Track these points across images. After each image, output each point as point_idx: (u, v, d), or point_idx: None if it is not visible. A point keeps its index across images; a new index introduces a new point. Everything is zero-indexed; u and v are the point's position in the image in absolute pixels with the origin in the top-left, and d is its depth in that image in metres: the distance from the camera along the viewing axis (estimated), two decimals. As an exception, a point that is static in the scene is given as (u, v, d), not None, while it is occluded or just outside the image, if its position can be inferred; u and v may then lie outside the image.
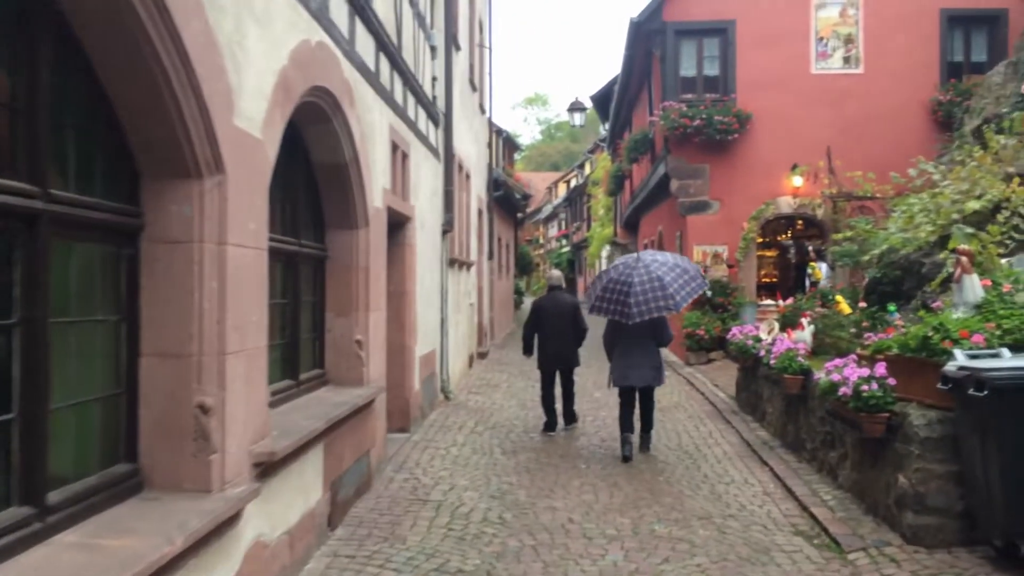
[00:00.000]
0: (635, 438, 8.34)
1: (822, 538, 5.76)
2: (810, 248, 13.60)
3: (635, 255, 8.54)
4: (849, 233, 10.86)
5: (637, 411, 8.48)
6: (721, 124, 15.34)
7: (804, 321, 8.50)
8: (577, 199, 45.85)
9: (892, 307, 7.40)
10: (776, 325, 10.35)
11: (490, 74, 18.36)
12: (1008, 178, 7.29)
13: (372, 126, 6.84)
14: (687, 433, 9.40)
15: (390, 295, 8.42)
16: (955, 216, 7.41)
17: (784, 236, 18.23)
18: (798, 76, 15.88)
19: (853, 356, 6.34)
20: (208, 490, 3.54)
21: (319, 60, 5.20)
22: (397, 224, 8.49)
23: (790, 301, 10.16)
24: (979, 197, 7.18)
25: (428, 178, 10.03)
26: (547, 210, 58.28)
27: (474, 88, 15.35)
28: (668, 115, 15.55)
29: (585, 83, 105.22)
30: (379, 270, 7.13)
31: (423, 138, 9.60)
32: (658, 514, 6.26)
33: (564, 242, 51.45)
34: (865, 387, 5.75)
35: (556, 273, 10.29)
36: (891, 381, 5.76)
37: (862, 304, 9.28)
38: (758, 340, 9.99)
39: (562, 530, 5.82)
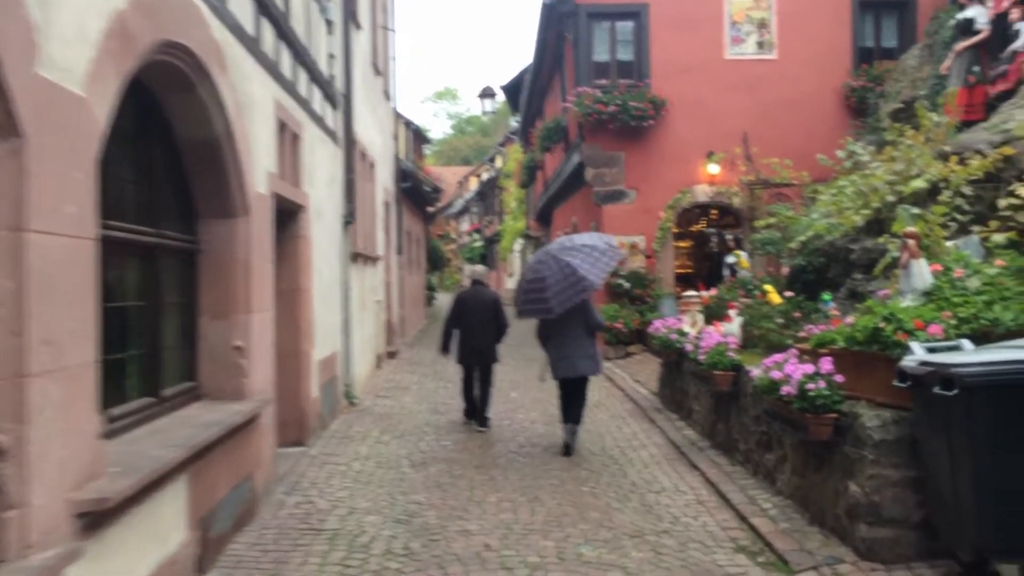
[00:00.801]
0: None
1: (767, 555, 5.17)
2: (729, 237, 13.21)
3: (544, 249, 8.30)
4: (771, 220, 10.44)
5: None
6: (636, 110, 14.83)
7: (732, 313, 7.97)
8: (489, 193, 45.14)
9: (827, 296, 6.91)
10: (700, 317, 9.84)
11: (394, 59, 17.45)
12: (943, 157, 6.89)
13: (251, 98, 5.93)
14: (610, 434, 8.78)
15: (281, 294, 7.52)
16: (890, 198, 6.96)
17: (700, 225, 17.93)
18: (712, 61, 15.50)
19: (794, 351, 5.77)
20: (2, 559, 2.65)
21: (173, 10, 4.30)
22: (288, 213, 7.59)
23: (714, 292, 9.66)
24: (917, 177, 6.74)
25: (325, 164, 9.13)
26: (458, 204, 57.45)
27: (378, 72, 14.43)
28: (582, 101, 14.95)
29: (495, 76, 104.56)
30: (264, 265, 6.24)
31: (318, 120, 8.70)
32: (585, 533, 5.57)
33: (476, 236, 50.69)
34: (811, 385, 5.18)
35: (480, 268, 10.05)
36: (838, 378, 5.21)
37: (788, 294, 8.84)
38: (682, 334, 9.45)
39: (477, 560, 5.07)
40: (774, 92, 15.33)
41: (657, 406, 10.11)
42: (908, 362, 4.55)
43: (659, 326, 9.85)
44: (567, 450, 7.82)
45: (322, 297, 8.82)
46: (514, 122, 46.67)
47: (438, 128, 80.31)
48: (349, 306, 10.43)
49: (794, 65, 15.44)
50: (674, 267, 15.87)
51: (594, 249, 7.97)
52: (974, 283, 5.17)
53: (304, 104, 7.93)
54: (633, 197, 15.41)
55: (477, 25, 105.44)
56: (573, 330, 7.92)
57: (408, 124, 28.41)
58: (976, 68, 9.97)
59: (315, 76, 8.42)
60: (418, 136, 34.22)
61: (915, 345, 4.65)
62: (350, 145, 10.46)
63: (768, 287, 8.14)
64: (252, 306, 5.84)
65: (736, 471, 6.95)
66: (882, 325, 5.04)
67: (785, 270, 11.59)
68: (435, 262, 32.29)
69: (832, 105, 15.44)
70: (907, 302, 5.40)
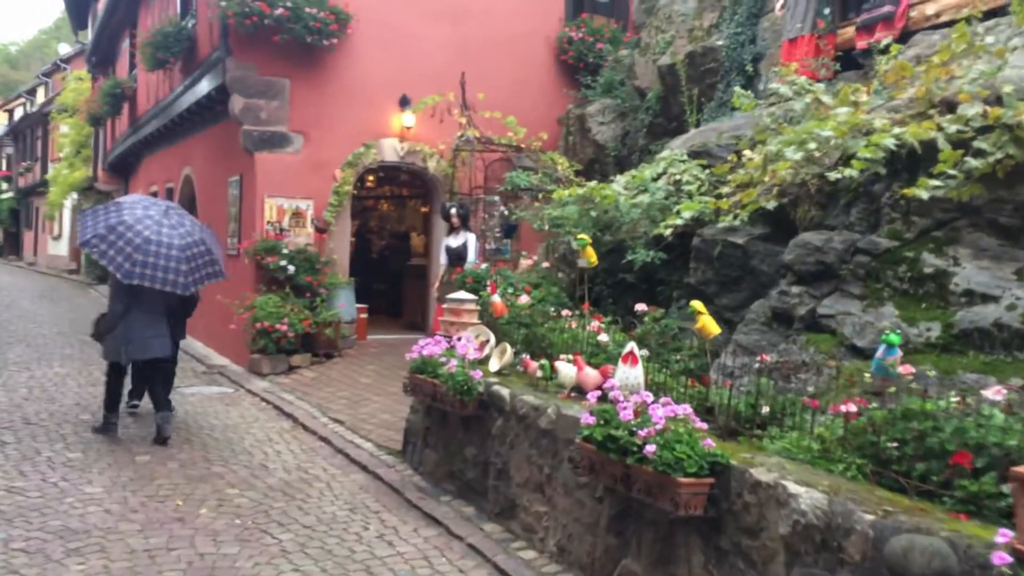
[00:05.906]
0: None
1: None
2: (452, 210, 9.58)
3: (162, 205, 7.49)
4: (567, 193, 7.08)
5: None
6: (314, 20, 10.40)
7: (633, 346, 4.40)
8: (28, 132, 35.71)
9: (894, 337, 3.66)
10: (493, 337, 6.11)
11: None
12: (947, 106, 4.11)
13: None
14: (389, 572, 4.66)
15: None
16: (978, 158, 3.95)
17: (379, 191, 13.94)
18: (408, -29, 11.66)
19: None
20: None
21: None
22: None
23: (525, 300, 5.92)
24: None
25: None
26: (-19, 145, 45.39)
27: None
28: (234, -6, 10.12)
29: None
30: None
31: None
32: None
33: (5, 186, 40.25)
34: None
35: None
36: None
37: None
38: (475, 365, 5.66)
39: None
40: (481, 29, 11.96)
41: (415, 480, 6.14)
42: None
43: (432, 349, 5.89)
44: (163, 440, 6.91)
45: None
46: (64, 48, 37.55)
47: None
48: None
49: (504, -1, 12.28)
50: (352, 247, 11.78)
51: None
52: None
53: None
54: (299, 145, 10.96)
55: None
56: (159, 307, 7.11)
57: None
58: (827, 11, 7.66)
59: None
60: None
61: None
62: None
63: (697, 305, 4.65)
64: None
65: None
66: None
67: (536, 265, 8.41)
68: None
69: (545, 56, 12.59)
70: None
